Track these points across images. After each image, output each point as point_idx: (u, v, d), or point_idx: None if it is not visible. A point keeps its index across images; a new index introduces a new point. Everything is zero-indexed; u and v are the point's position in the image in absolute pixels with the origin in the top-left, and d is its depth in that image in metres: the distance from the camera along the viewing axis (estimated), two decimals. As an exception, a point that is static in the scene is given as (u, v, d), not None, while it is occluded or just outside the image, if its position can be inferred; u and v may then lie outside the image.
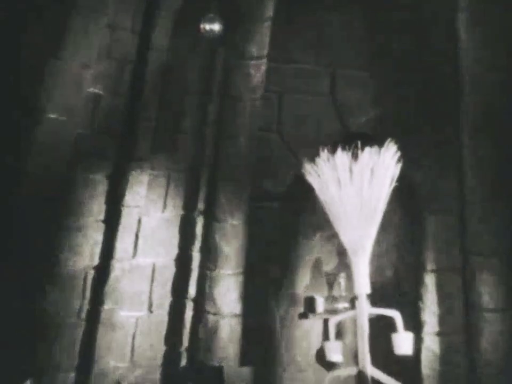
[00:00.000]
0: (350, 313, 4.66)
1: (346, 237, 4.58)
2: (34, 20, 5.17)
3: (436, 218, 6.07)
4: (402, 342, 4.69)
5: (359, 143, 4.40)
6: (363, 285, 4.65)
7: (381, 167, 4.48)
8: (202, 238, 5.99)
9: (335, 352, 4.66)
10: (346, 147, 4.56)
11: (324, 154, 4.43)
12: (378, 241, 6.46)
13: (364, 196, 4.45)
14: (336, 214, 4.57)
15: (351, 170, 4.38)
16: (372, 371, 4.54)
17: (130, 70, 5.73)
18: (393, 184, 4.58)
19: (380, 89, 6.20)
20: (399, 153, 4.64)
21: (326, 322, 6.40)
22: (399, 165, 4.62)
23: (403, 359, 5.69)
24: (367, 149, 4.44)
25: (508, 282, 5.72)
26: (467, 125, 5.82)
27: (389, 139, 4.69)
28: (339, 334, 6.32)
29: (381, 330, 5.98)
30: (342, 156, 4.44)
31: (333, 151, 4.46)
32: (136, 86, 5.73)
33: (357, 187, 4.45)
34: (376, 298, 6.36)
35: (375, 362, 5.51)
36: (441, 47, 6.00)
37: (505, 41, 5.69)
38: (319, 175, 4.50)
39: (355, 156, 4.43)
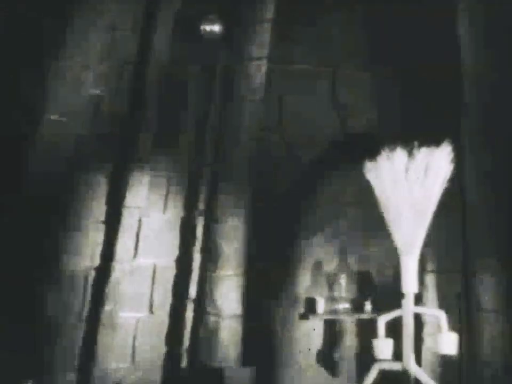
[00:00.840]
0: (397, 312, 4.68)
1: (398, 235, 4.60)
2: (34, 19, 5.15)
3: (436, 218, 6.06)
4: (447, 342, 4.69)
5: (416, 142, 4.40)
6: (411, 284, 4.68)
7: (434, 167, 4.49)
8: (203, 238, 5.99)
9: (385, 350, 4.66)
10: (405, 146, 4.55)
11: (384, 152, 4.44)
12: (378, 242, 6.49)
13: (416, 195, 4.46)
14: (391, 213, 4.58)
15: (407, 169, 4.39)
16: (415, 370, 4.56)
17: (130, 71, 5.72)
18: (445, 185, 4.59)
19: (380, 89, 6.21)
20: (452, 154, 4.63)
21: (326, 323, 6.44)
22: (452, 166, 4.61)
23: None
24: (424, 148, 4.44)
25: (508, 282, 5.72)
26: (467, 124, 5.83)
27: (446, 139, 4.68)
28: (340, 334, 6.37)
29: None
30: (400, 155, 4.45)
31: (392, 149, 4.47)
32: (137, 86, 5.72)
33: (410, 186, 4.46)
34: (377, 298, 6.40)
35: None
36: (441, 47, 6.00)
37: (505, 41, 5.70)
38: (377, 173, 4.51)
39: (412, 155, 4.43)
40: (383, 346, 4.72)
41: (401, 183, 4.52)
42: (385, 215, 4.61)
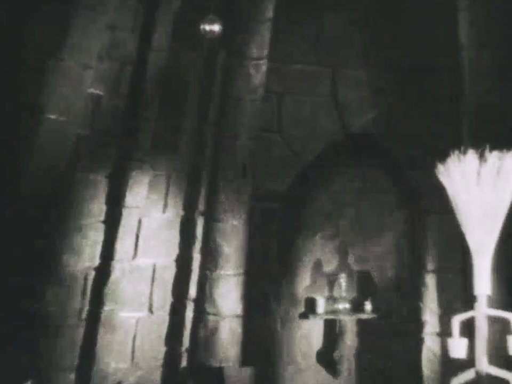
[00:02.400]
0: (470, 313, 4.71)
1: (471, 237, 4.64)
2: (34, 20, 5.15)
3: (436, 218, 6.07)
4: None
5: (487, 145, 4.47)
6: (484, 286, 4.70)
7: (505, 170, 4.54)
8: (203, 238, 5.99)
9: (459, 349, 4.68)
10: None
11: (455, 155, 4.52)
12: (378, 242, 6.50)
13: (489, 198, 4.50)
14: (464, 215, 4.62)
15: (478, 173, 4.45)
16: (490, 370, 4.59)
17: (130, 70, 5.71)
18: None
19: (380, 89, 6.21)
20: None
21: (326, 322, 6.44)
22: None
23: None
24: (495, 151, 4.52)
25: (508, 282, 5.71)
26: (467, 124, 5.83)
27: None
28: (340, 334, 6.37)
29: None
30: (471, 158, 4.52)
31: (463, 153, 4.54)
32: (136, 86, 5.71)
33: (482, 189, 4.50)
34: (377, 298, 6.40)
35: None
36: (442, 47, 6.01)
37: (505, 41, 5.70)
38: (449, 176, 4.57)
39: (483, 158, 4.49)
40: (458, 346, 4.73)
41: (473, 186, 4.56)
42: (457, 216, 4.65)
